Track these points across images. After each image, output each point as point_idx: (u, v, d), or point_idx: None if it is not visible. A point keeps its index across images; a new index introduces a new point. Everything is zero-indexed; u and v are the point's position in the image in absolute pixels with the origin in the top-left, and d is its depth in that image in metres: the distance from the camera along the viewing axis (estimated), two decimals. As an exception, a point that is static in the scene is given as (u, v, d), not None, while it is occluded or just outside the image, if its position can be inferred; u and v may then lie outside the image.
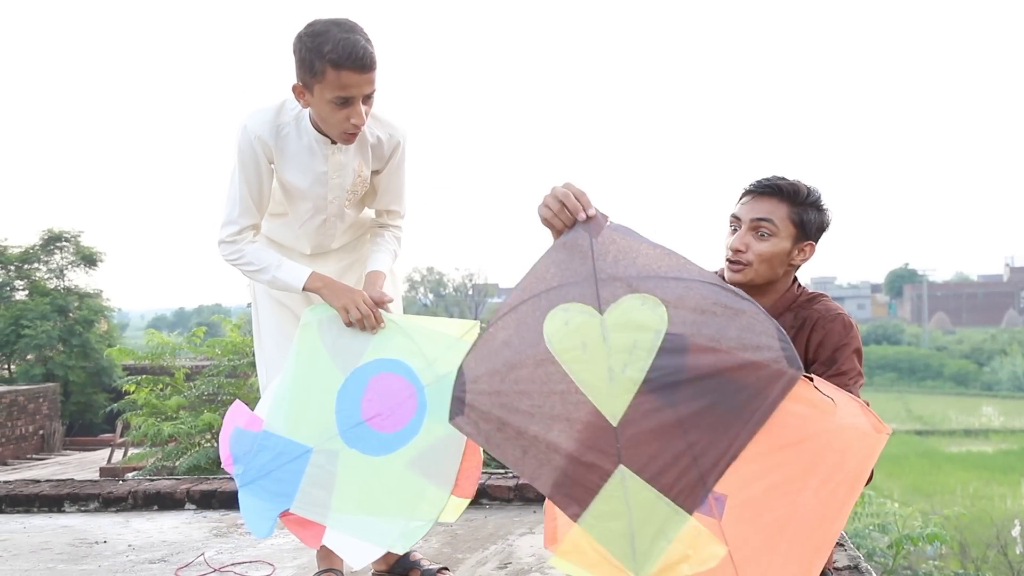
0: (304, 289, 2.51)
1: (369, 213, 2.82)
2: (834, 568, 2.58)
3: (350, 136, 2.41)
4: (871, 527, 7.25)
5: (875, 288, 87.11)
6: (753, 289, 2.29)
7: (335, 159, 2.53)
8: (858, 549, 5.21)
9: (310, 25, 2.31)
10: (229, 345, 6.89)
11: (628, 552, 1.84)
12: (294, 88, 2.37)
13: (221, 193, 2.59)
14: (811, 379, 1.88)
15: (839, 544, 2.84)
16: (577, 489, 1.86)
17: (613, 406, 1.85)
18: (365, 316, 2.44)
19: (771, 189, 2.26)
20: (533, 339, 1.90)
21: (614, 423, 1.85)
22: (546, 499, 1.90)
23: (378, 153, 2.61)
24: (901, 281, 79.09)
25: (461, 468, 2.33)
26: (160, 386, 7.02)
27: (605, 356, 1.87)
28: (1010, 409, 37.73)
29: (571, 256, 1.93)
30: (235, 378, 6.83)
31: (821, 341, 2.21)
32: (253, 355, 6.78)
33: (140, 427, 6.36)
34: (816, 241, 2.30)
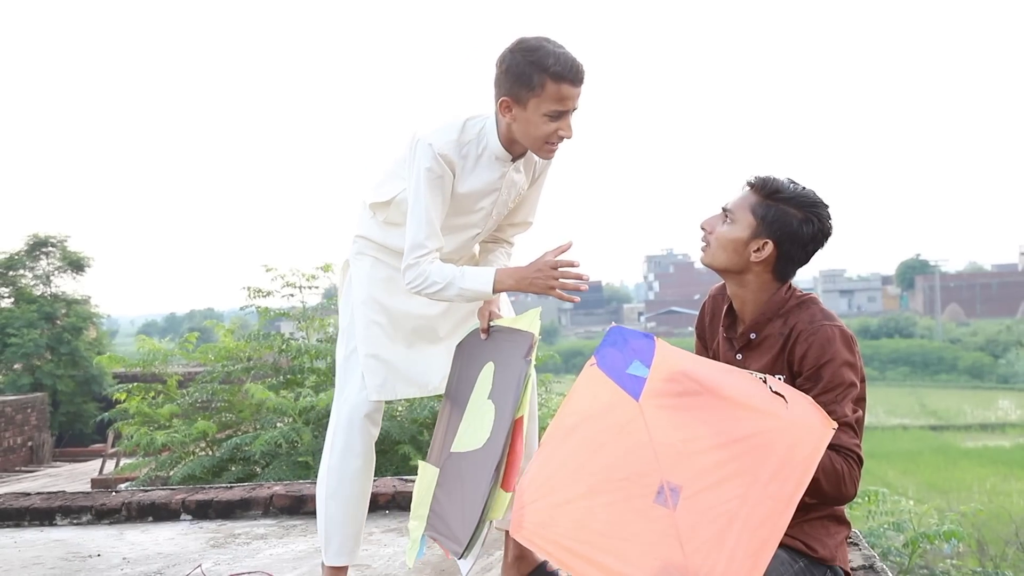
0: (495, 292, 2.57)
1: None
2: (849, 567, 2.59)
3: (552, 149, 2.54)
4: (886, 525, 7.25)
5: (886, 280, 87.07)
6: (729, 277, 2.34)
7: (509, 177, 2.66)
8: (873, 548, 5.22)
9: (522, 41, 2.46)
10: (223, 351, 6.89)
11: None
12: (502, 103, 2.48)
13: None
14: (764, 379, 2.02)
15: (853, 543, 2.84)
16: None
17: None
18: (572, 279, 2.51)
19: (751, 183, 2.32)
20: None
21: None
22: (517, 488, 1.99)
23: (535, 169, 2.75)
24: (913, 272, 78.98)
25: (508, 460, 2.38)
26: (152, 394, 7.02)
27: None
28: (1027, 402, 37.73)
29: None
30: (229, 384, 6.84)
31: (804, 354, 2.18)
32: (247, 360, 6.85)
33: (132, 436, 6.36)
34: (778, 243, 2.25)
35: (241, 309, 7.18)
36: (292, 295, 6.97)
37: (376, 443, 2.76)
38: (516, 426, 2.39)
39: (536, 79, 2.42)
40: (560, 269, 2.51)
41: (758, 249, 2.27)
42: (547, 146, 2.53)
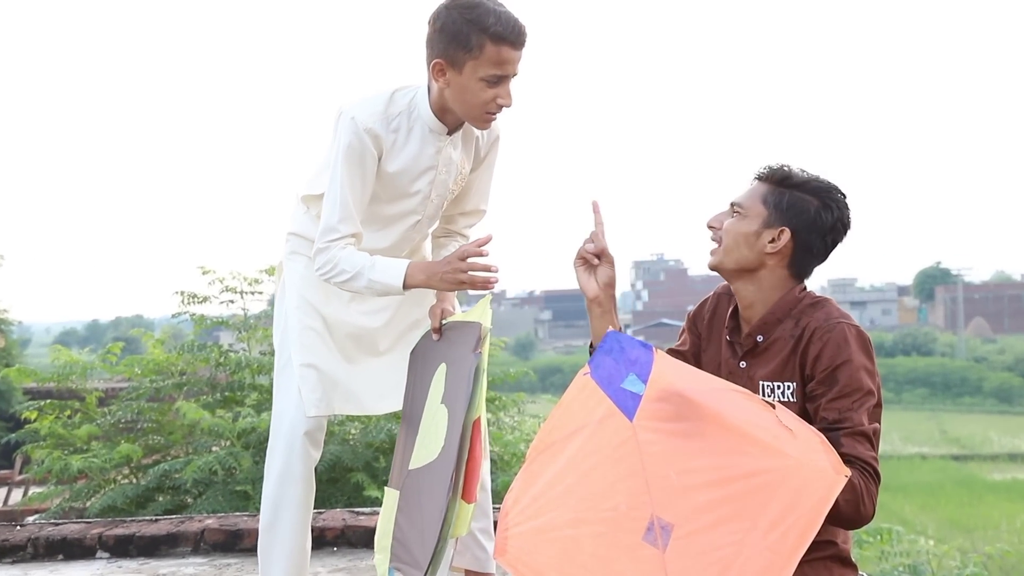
0: (406, 287, 2.56)
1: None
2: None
3: (490, 119, 2.55)
4: (901, 568, 7.28)
5: (902, 291, 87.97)
6: (740, 277, 2.33)
7: (445, 153, 2.66)
8: (889, 594, 5.23)
9: None
10: (151, 364, 6.81)
11: None
12: (434, 65, 2.48)
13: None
14: (773, 406, 1.99)
15: (866, 589, 2.84)
16: None
17: None
18: (479, 272, 2.52)
19: (758, 174, 2.36)
20: None
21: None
22: (501, 508, 2.01)
23: (477, 148, 2.76)
24: (932, 282, 79.87)
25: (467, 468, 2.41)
26: (68, 413, 6.92)
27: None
28: (1060, 429, 38.14)
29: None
30: (158, 402, 6.76)
31: (818, 355, 2.19)
32: (179, 375, 6.78)
33: (43, 462, 6.26)
34: (795, 231, 2.28)
35: (173, 317, 7.10)
36: (232, 301, 6.89)
37: (326, 470, 2.75)
38: (474, 429, 2.40)
39: (474, 39, 2.42)
40: (468, 260, 2.52)
41: (773, 239, 2.29)
42: (485, 115, 2.54)
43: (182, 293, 6.85)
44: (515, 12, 2.47)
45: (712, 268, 2.39)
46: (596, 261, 2.41)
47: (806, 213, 2.28)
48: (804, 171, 2.33)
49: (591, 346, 2.41)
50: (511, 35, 2.44)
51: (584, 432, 2.04)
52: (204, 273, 6.91)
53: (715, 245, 2.37)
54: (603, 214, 2.46)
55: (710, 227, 2.38)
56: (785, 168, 2.33)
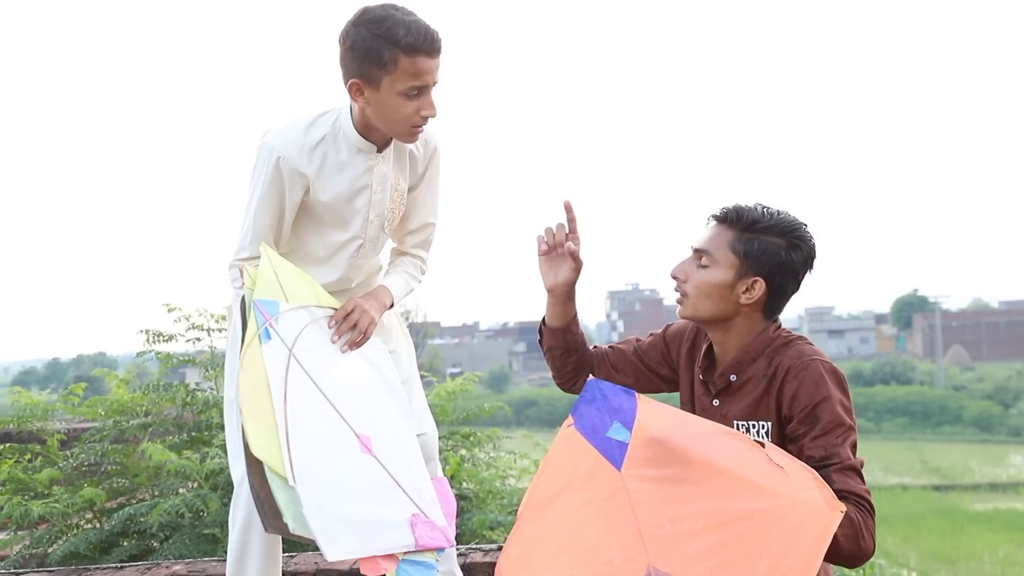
0: None
1: (385, 253, 2.92)
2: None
3: (417, 132, 2.54)
4: (886, 602, 7.28)
5: (880, 319, 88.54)
6: (714, 327, 2.34)
7: (379, 171, 2.64)
8: (873, 630, 5.23)
9: (365, 12, 2.43)
10: (115, 404, 6.73)
11: None
12: (351, 85, 2.46)
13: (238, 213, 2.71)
14: (762, 445, 2.01)
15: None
16: None
17: None
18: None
19: (719, 216, 2.33)
20: None
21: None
22: (496, 568, 2.02)
23: (414, 164, 2.74)
24: (910, 310, 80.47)
25: None
26: (28, 456, 6.83)
27: None
28: (1042, 458, 38.38)
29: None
30: (122, 444, 6.68)
31: (795, 394, 2.21)
32: (144, 415, 6.71)
33: (2, 508, 6.17)
34: (768, 278, 2.29)
35: (138, 356, 7.04)
36: (199, 339, 6.85)
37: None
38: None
39: (387, 54, 2.40)
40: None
41: (747, 289, 2.29)
42: (411, 129, 2.53)
43: (147, 332, 6.80)
44: (426, 19, 2.43)
45: (684, 318, 2.39)
46: (558, 251, 2.47)
47: (777, 257, 2.28)
48: (766, 209, 2.31)
49: (542, 321, 2.54)
50: (424, 45, 2.42)
51: (573, 486, 2.03)
52: (170, 310, 6.86)
53: (678, 295, 2.36)
54: (576, 214, 2.47)
55: (675, 277, 2.36)
56: (749, 210, 2.31)
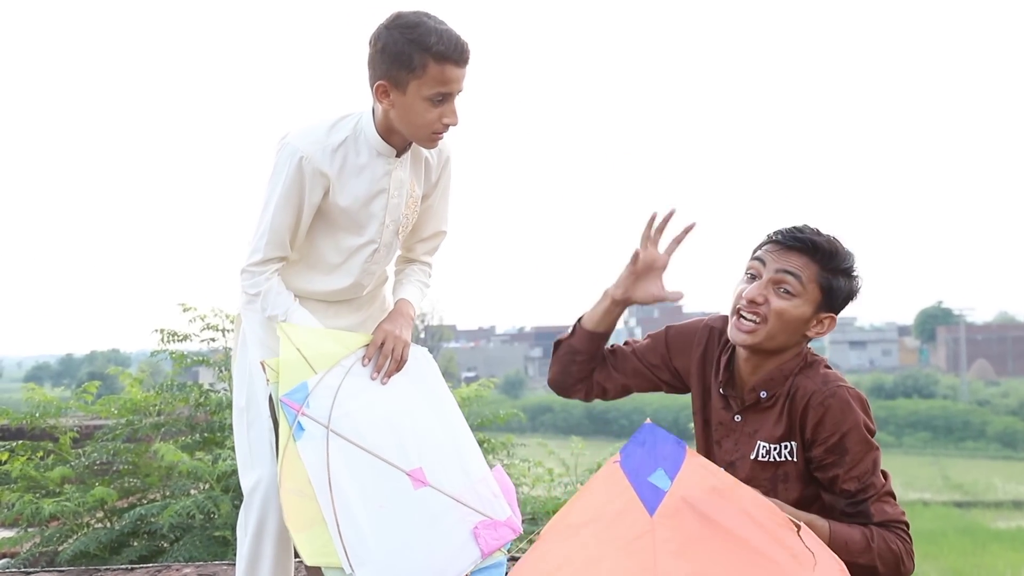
0: None
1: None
2: None
3: (437, 138, 2.60)
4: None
5: (903, 331, 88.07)
6: (759, 355, 2.32)
7: (396, 175, 2.68)
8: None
9: (399, 16, 2.49)
10: (128, 403, 6.77)
11: None
12: (378, 87, 2.52)
13: (251, 214, 2.71)
14: (799, 527, 2.01)
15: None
16: None
17: None
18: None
19: (804, 244, 2.29)
20: None
21: None
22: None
23: (428, 172, 2.78)
24: (934, 322, 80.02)
25: None
26: (40, 454, 6.87)
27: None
28: (1067, 475, 38.11)
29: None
30: (135, 443, 6.71)
31: (821, 420, 2.23)
32: (157, 415, 6.74)
33: (14, 505, 6.21)
34: (837, 314, 2.34)
35: (152, 355, 7.07)
36: (213, 340, 6.88)
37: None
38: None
39: (416, 59, 2.46)
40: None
41: (817, 323, 2.30)
42: (432, 135, 2.58)
43: (162, 331, 6.83)
44: (457, 30, 2.51)
45: (745, 346, 2.32)
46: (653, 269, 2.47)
47: (850, 296, 2.35)
48: (837, 241, 2.33)
49: (578, 322, 2.53)
50: (454, 53, 2.48)
51: (603, 520, 2.04)
52: (185, 310, 6.89)
53: (752, 319, 2.30)
54: (671, 224, 2.49)
55: (753, 301, 2.30)
56: (834, 245, 2.31)
